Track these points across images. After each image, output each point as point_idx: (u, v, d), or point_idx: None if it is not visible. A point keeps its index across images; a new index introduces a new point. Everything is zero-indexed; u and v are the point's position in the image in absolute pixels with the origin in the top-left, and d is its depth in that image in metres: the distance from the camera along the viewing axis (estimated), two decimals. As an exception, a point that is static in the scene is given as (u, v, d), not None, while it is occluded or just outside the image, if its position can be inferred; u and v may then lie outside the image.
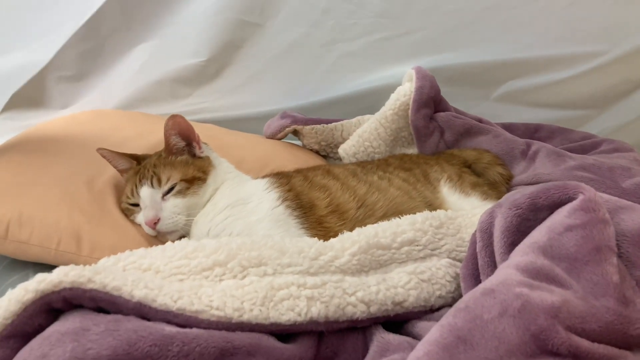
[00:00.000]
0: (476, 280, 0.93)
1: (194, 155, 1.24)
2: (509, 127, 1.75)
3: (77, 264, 1.07)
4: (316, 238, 1.05)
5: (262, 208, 1.17)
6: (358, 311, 0.86)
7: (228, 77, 1.82)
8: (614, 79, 1.87)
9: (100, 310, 0.78)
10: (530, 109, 1.92)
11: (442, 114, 1.62)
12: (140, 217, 1.18)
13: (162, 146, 1.25)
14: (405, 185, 1.35)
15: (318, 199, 1.22)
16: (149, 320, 0.76)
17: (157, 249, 0.91)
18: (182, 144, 1.23)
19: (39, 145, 1.41)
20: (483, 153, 1.55)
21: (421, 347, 0.70)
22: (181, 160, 1.22)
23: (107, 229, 1.17)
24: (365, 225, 1.14)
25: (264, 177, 1.30)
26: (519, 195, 0.91)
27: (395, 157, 1.54)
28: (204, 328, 0.77)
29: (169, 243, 0.92)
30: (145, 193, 1.17)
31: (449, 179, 1.40)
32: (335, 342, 0.86)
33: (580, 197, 0.85)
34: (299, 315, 0.81)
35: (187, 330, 0.75)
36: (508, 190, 1.46)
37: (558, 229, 0.82)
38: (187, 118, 1.26)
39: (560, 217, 0.84)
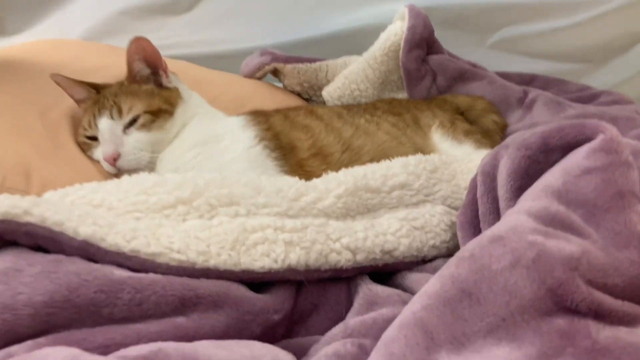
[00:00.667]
0: (475, 229, 0.82)
1: (160, 85, 1.10)
2: (503, 77, 1.63)
3: None
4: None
5: (236, 147, 1.05)
6: (343, 259, 0.74)
7: (203, 9, 1.66)
8: (614, 30, 1.76)
9: (40, 249, 0.65)
10: (526, 59, 1.80)
11: (435, 56, 1.50)
12: (99, 152, 1.04)
13: (126, 77, 1.10)
14: (394, 130, 1.23)
15: (299, 140, 1.10)
16: (96, 262, 0.64)
17: (112, 183, 0.77)
18: (146, 71, 1.08)
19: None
20: (477, 100, 1.44)
21: (418, 300, 0.60)
22: (146, 89, 1.07)
23: (61, 164, 1.03)
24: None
25: (239, 115, 1.17)
26: (528, 134, 0.80)
27: (383, 101, 1.41)
28: (162, 273, 0.65)
29: (125, 176, 0.79)
30: (105, 125, 1.03)
31: (440, 125, 1.29)
32: (316, 294, 0.75)
33: (600, 136, 0.74)
34: (275, 261, 0.70)
35: (141, 275, 0.63)
36: (502, 139, 1.35)
37: (574, 171, 0.71)
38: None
39: (577, 158, 0.73)
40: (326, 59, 1.54)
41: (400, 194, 0.86)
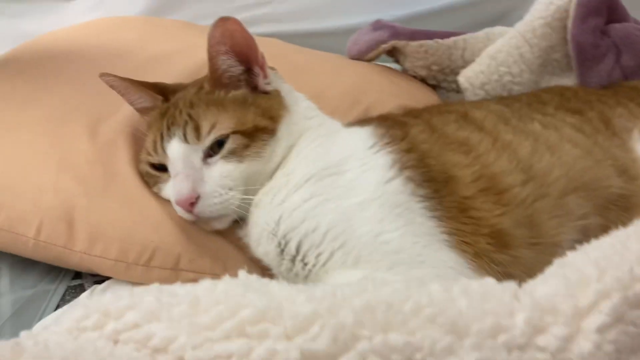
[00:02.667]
0: None
1: (255, 89, 0.72)
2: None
3: (67, 263, 0.65)
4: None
5: (366, 182, 0.66)
6: None
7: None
8: None
9: None
10: None
11: (618, 26, 1.04)
12: (169, 189, 0.69)
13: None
14: (580, 137, 0.80)
15: (458, 167, 0.70)
16: None
17: (185, 296, 0.41)
18: (237, 68, 0.70)
19: (28, 64, 0.92)
20: (685, 88, 0.98)
21: None
22: (235, 97, 0.69)
23: (115, 205, 0.69)
24: (536, 212, 0.67)
25: (362, 123, 0.78)
26: None
27: (550, 91, 0.98)
28: None
29: (205, 285, 0.42)
30: (176, 150, 0.67)
31: (644, 128, 0.85)
32: None
33: None
34: None
35: None
36: None
37: None
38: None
39: None
40: (461, 31, 1.12)
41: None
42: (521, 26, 1.04)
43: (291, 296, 0.38)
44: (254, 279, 0.41)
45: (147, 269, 0.68)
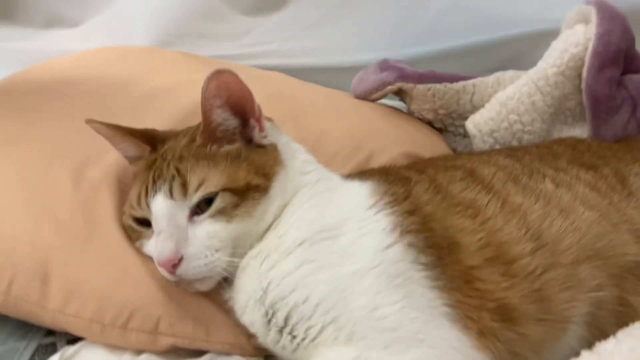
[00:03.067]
0: None
1: (250, 141, 0.67)
2: None
3: (39, 321, 0.61)
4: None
5: (365, 247, 0.61)
6: None
7: (305, 6, 1.23)
8: None
9: None
10: None
11: (635, 77, 1.00)
12: (151, 247, 0.64)
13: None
14: (595, 197, 0.73)
15: (462, 232, 0.64)
16: None
17: None
18: (232, 122, 0.65)
19: (17, 97, 0.88)
20: None
21: None
22: (228, 152, 0.64)
23: (95, 261, 0.65)
24: (545, 285, 0.62)
25: (363, 176, 0.73)
26: None
27: (562, 143, 0.92)
28: None
29: None
30: (161, 206, 0.62)
31: (663, 189, 0.79)
32: None
33: None
34: None
35: None
36: None
37: None
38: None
39: None
40: (470, 75, 1.07)
41: None
42: (534, 74, 0.99)
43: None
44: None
45: (124, 332, 0.63)
